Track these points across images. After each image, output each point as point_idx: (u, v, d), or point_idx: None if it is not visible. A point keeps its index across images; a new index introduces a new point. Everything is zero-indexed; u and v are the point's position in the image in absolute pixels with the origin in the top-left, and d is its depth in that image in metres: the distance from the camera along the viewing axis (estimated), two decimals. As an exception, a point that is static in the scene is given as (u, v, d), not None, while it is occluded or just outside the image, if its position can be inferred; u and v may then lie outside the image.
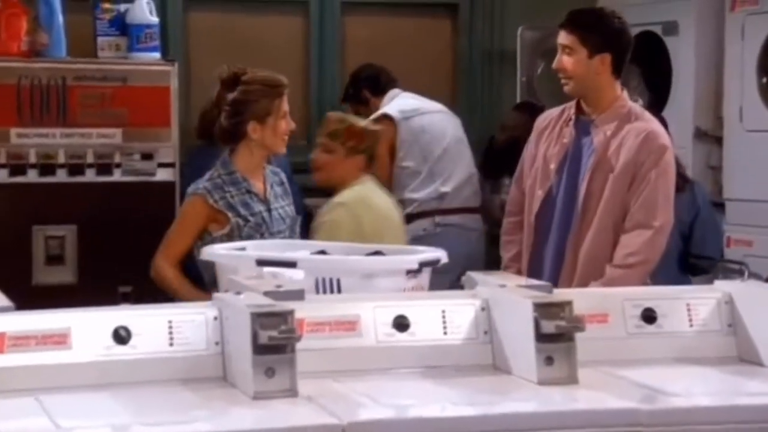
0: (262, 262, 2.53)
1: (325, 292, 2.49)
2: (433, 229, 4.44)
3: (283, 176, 3.43)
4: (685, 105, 5.08)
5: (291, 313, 1.90)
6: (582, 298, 2.14)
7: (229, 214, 3.20)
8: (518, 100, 5.26)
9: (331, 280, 2.50)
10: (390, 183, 4.48)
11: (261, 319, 1.88)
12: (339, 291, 2.50)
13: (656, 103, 5.09)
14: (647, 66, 5.33)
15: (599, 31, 3.27)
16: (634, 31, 5.27)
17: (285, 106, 3.29)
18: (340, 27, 5.34)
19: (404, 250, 2.86)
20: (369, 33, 5.38)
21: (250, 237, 3.17)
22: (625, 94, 3.36)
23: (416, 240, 4.31)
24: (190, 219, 3.25)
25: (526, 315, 2.00)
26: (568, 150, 3.28)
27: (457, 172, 4.52)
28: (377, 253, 2.78)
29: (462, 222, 4.41)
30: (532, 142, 3.39)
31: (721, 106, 5.02)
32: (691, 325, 2.23)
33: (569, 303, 2.00)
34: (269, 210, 3.27)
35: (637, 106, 3.41)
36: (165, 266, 3.20)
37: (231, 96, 3.28)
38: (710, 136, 5.10)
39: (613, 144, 3.24)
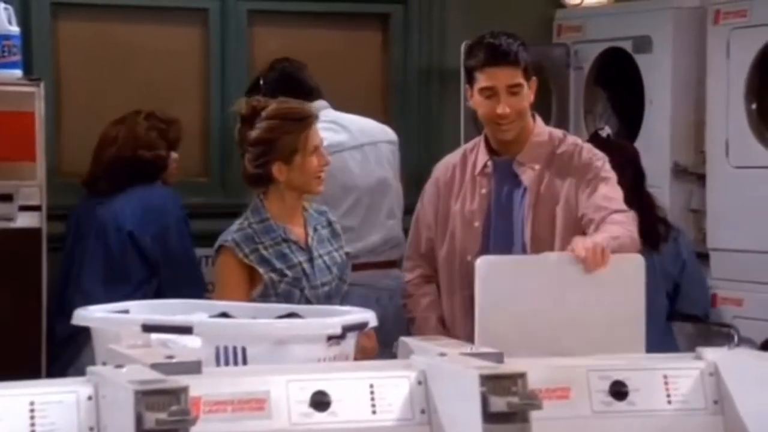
0: (149, 328, 2.51)
1: (227, 363, 2.48)
2: None
3: (330, 216, 3.49)
4: (660, 136, 5.17)
5: (185, 390, 1.88)
6: (539, 369, 2.16)
7: (261, 270, 3.26)
8: (462, 127, 5.32)
9: (234, 349, 2.50)
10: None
11: (147, 398, 1.86)
12: (245, 362, 2.49)
13: (626, 133, 5.18)
14: (615, 89, 5.44)
15: (528, 53, 3.39)
16: (600, 48, 5.44)
17: (315, 139, 3.37)
18: (248, 39, 5.36)
19: (325, 312, 2.87)
20: (282, 46, 5.39)
21: (287, 295, 3.24)
22: (538, 118, 3.48)
23: None
24: (228, 278, 3.29)
25: (472, 390, 2.01)
26: (490, 201, 3.37)
27: (366, 227, 4.43)
28: (292, 315, 2.78)
29: (370, 280, 4.36)
30: (434, 198, 3.48)
31: (703, 137, 5.12)
32: (670, 402, 2.26)
33: (523, 375, 2.02)
34: (311, 259, 3.34)
35: (556, 130, 3.54)
36: None
37: (251, 135, 3.35)
38: (691, 174, 5.19)
39: (546, 177, 3.36)
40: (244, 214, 3.39)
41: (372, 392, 2.13)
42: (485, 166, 3.41)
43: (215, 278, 3.38)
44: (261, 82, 4.61)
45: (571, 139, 3.47)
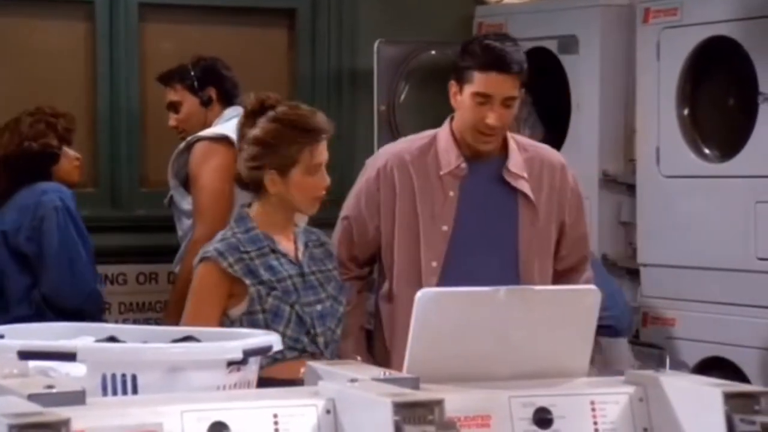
0: (26, 354, 2.47)
1: (115, 393, 2.46)
2: None
3: (321, 235, 3.39)
4: (587, 143, 5.23)
5: (66, 423, 1.86)
6: (457, 396, 2.17)
7: (247, 281, 3.21)
8: (375, 133, 5.33)
9: (123, 377, 2.47)
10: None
11: (24, 432, 1.84)
12: (135, 391, 2.47)
13: (551, 140, 5.22)
14: (539, 92, 5.48)
15: (526, 63, 3.44)
16: (524, 47, 5.47)
17: (319, 156, 3.25)
18: (139, 36, 5.32)
19: (225, 335, 2.85)
20: (177, 44, 5.38)
21: (276, 311, 3.20)
22: None
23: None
24: (205, 293, 3.23)
25: (385, 419, 2.01)
26: (458, 205, 3.40)
27: None
28: (188, 338, 2.76)
29: None
30: (377, 197, 3.47)
31: (633, 144, 5.19)
32: (597, 430, 2.28)
33: (440, 402, 2.03)
34: (302, 274, 3.27)
35: (516, 135, 3.62)
36: None
37: (251, 132, 3.26)
38: (620, 184, 5.26)
39: (535, 187, 3.46)
40: (229, 225, 3.33)
41: (276, 423, 2.12)
42: (460, 166, 3.43)
43: (189, 294, 3.30)
44: (192, 72, 4.61)
45: (538, 145, 3.60)
